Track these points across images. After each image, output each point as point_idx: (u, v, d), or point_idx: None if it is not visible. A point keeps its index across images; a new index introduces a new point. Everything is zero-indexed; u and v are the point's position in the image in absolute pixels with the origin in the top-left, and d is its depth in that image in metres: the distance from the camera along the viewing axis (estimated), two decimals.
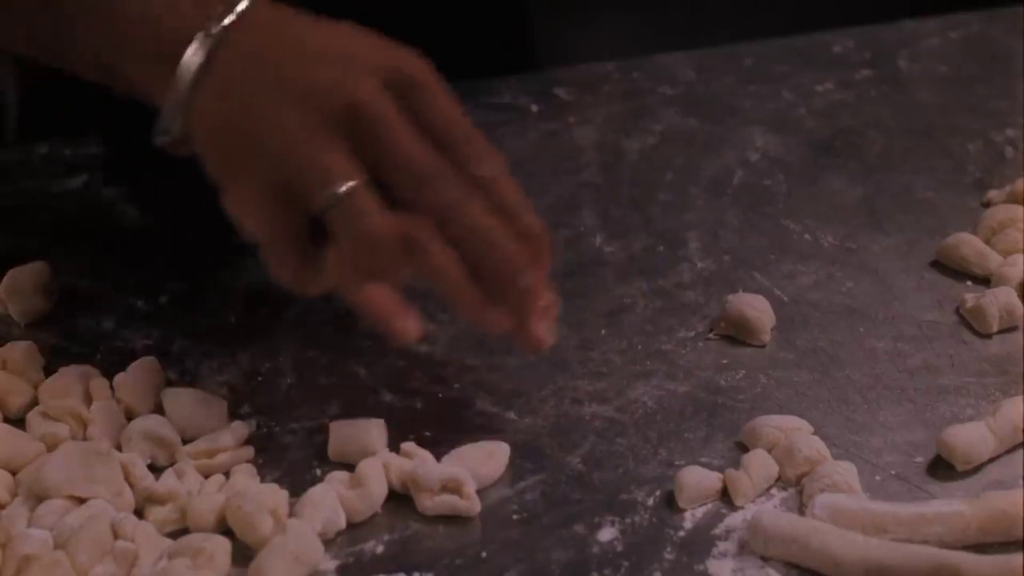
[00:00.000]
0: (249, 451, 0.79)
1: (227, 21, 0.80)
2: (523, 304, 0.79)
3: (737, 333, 0.86)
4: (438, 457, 0.78)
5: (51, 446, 0.78)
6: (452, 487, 0.76)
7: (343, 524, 0.75)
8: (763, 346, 0.86)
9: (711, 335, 0.87)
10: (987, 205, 0.96)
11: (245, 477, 0.77)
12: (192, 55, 0.80)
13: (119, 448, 0.78)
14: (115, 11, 0.81)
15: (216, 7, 0.80)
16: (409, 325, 0.78)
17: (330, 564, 0.74)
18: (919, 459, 0.79)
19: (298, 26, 0.82)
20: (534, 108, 1.08)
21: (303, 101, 0.78)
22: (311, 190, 0.77)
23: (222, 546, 0.73)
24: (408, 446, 0.79)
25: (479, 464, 0.78)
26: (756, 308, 0.86)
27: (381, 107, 0.78)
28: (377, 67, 0.80)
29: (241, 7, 0.81)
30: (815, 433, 0.79)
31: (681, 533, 0.75)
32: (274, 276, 0.80)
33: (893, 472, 0.78)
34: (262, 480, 0.78)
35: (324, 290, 0.80)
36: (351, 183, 0.77)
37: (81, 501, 0.75)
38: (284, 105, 0.79)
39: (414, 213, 0.78)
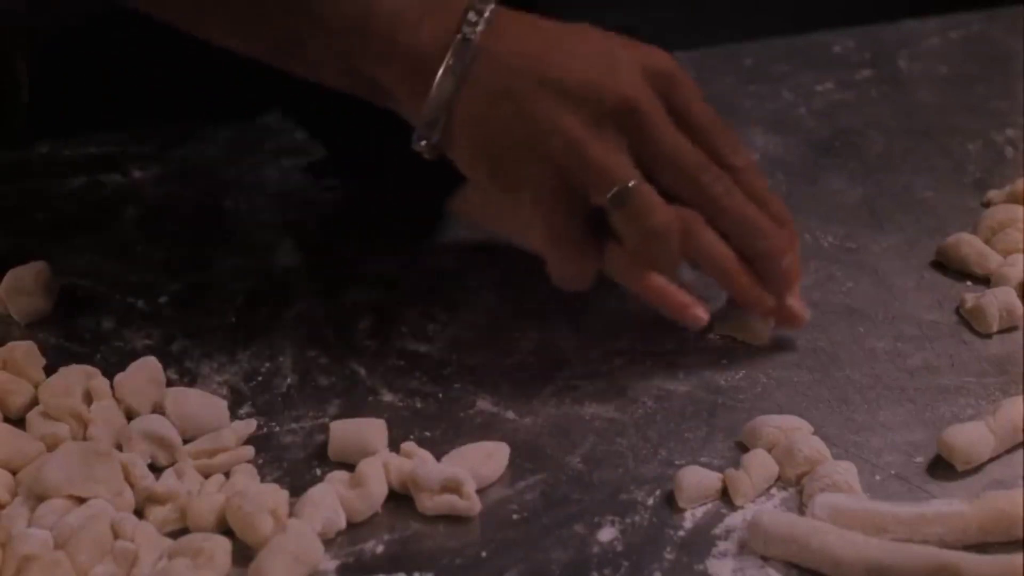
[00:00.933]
0: (249, 451, 0.79)
1: (480, 27, 0.81)
2: (785, 283, 0.85)
3: (737, 333, 0.86)
4: (438, 457, 0.78)
5: (51, 446, 0.78)
6: (452, 487, 0.76)
7: (343, 524, 0.75)
8: (763, 346, 0.86)
9: (712, 335, 0.87)
10: (987, 205, 0.96)
11: (245, 477, 0.77)
12: (450, 62, 0.81)
13: (119, 448, 0.78)
14: (368, 18, 0.82)
15: (465, 13, 0.82)
16: (699, 312, 0.83)
17: (330, 564, 0.74)
18: (919, 459, 0.79)
19: (547, 28, 0.84)
20: None
21: (576, 101, 0.81)
22: (595, 190, 0.81)
23: (222, 546, 0.73)
24: (408, 446, 0.79)
25: (479, 464, 0.78)
26: None
27: (650, 105, 0.82)
28: (637, 64, 0.83)
29: (488, 12, 0.82)
30: (815, 433, 0.79)
31: (681, 533, 0.75)
32: (555, 275, 0.84)
33: (893, 472, 0.78)
34: (262, 480, 0.78)
35: (589, 285, 0.84)
36: (633, 181, 0.81)
37: (81, 501, 0.75)
38: (557, 106, 0.81)
39: (683, 205, 0.82)
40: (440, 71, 0.81)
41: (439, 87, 0.81)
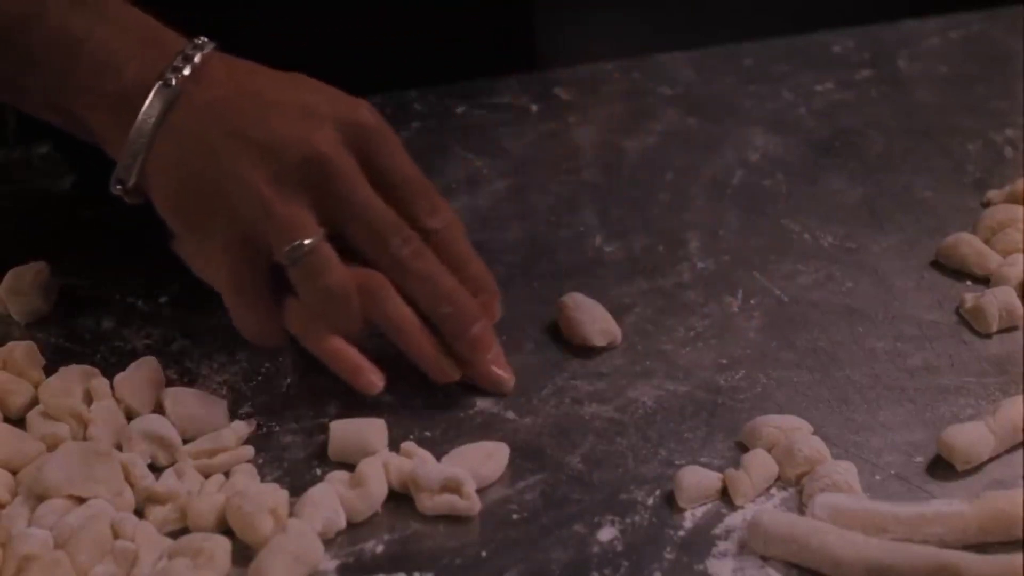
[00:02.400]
0: (249, 451, 0.79)
1: (185, 72, 0.81)
2: (476, 351, 0.83)
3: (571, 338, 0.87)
4: (438, 457, 0.78)
5: (51, 446, 0.78)
6: (452, 487, 0.76)
7: (343, 524, 0.75)
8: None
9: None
10: (987, 205, 0.96)
11: (245, 477, 0.77)
12: (149, 106, 0.81)
13: (119, 448, 0.78)
14: (75, 58, 0.82)
15: (173, 58, 0.81)
16: (373, 379, 0.81)
17: (330, 564, 0.74)
18: (919, 459, 0.79)
19: (255, 77, 0.83)
20: (534, 108, 1.08)
21: (263, 154, 0.80)
22: (273, 244, 0.80)
23: (222, 546, 0.73)
24: (408, 446, 0.79)
25: (479, 464, 0.78)
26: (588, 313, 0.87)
27: (340, 160, 0.81)
28: (335, 119, 0.82)
29: (198, 59, 0.82)
30: (815, 433, 0.79)
31: (681, 533, 0.75)
32: (238, 326, 0.83)
33: (893, 472, 0.78)
34: (262, 480, 0.78)
35: (283, 341, 0.83)
36: (312, 238, 0.80)
37: (81, 501, 0.75)
38: (244, 158, 0.80)
39: (369, 264, 0.81)
40: (140, 115, 0.81)
41: (137, 131, 0.81)
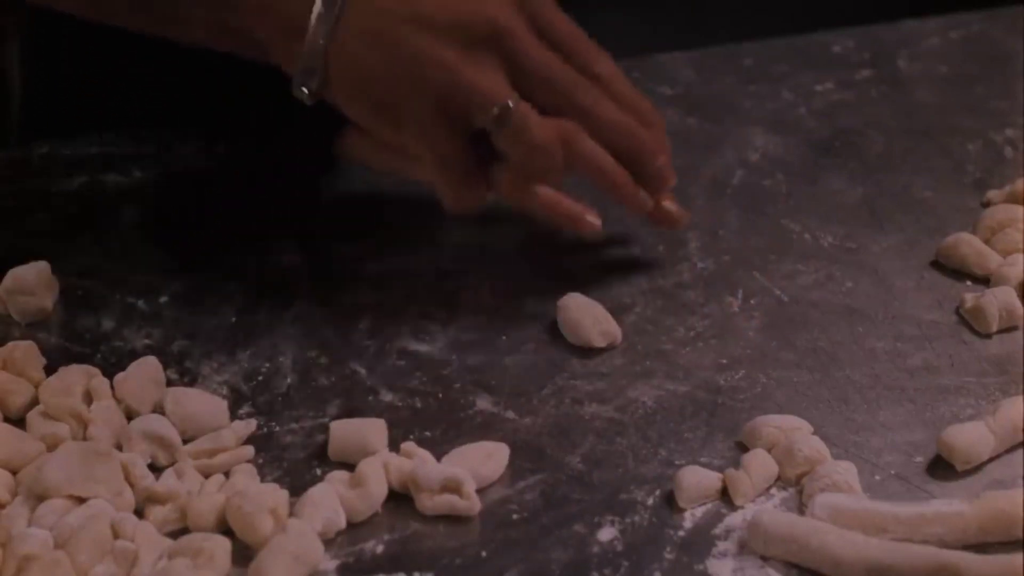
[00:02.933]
0: (249, 451, 0.79)
1: None
2: (659, 183, 0.89)
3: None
4: (438, 457, 0.78)
5: (51, 446, 0.78)
6: (452, 487, 0.76)
7: (343, 524, 0.75)
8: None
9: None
10: (987, 205, 0.96)
11: (245, 477, 0.77)
12: (322, 10, 0.84)
13: (119, 448, 0.78)
14: None
15: None
16: (594, 220, 0.88)
17: (330, 564, 0.74)
18: (919, 459, 0.79)
19: None
20: None
21: (447, 31, 0.84)
22: (475, 112, 0.85)
23: (222, 546, 0.73)
24: (408, 446, 0.79)
25: (479, 464, 0.78)
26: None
27: (518, 27, 0.86)
28: None
29: None
30: (815, 433, 0.79)
31: (681, 533, 0.75)
32: (448, 202, 0.88)
33: (893, 472, 0.78)
34: (262, 480, 0.78)
35: (483, 204, 0.88)
36: (512, 100, 0.85)
37: (81, 501, 0.75)
38: (429, 38, 0.84)
39: (558, 118, 0.86)
40: (313, 18, 0.84)
41: (312, 34, 0.84)
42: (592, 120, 0.87)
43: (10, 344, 0.84)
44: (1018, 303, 0.87)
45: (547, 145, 0.85)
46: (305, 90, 0.86)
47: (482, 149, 0.86)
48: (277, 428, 0.81)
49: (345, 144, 0.89)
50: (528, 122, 0.85)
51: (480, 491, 0.77)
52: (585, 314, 0.87)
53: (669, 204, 0.91)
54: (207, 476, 0.78)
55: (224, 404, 0.82)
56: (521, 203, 0.88)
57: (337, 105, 0.86)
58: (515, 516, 0.76)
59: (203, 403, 0.81)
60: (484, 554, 0.74)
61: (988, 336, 0.86)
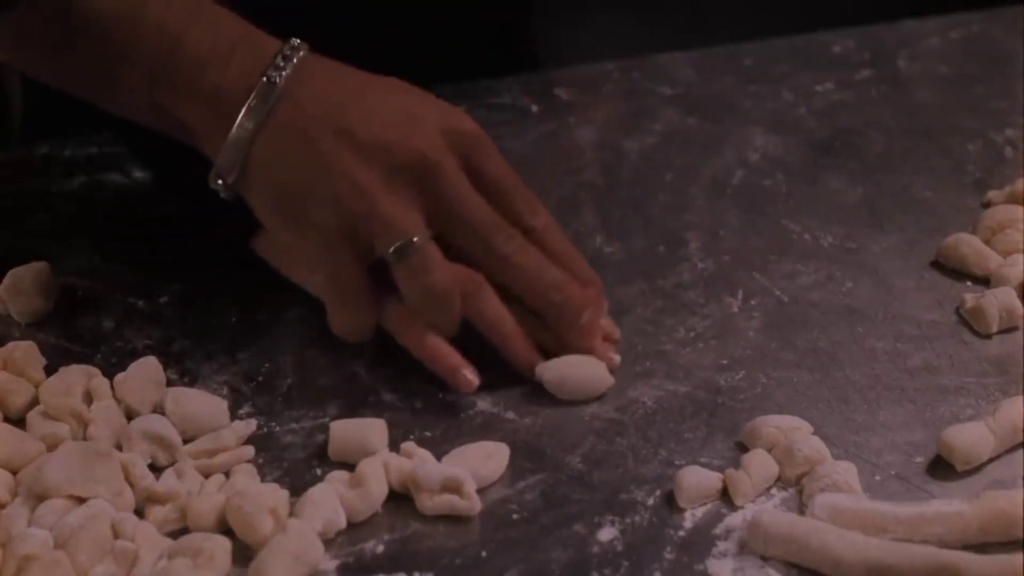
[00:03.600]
0: (249, 451, 0.79)
1: (286, 71, 0.83)
2: (585, 338, 0.84)
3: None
4: (438, 457, 0.78)
5: (51, 446, 0.78)
6: (452, 487, 0.76)
7: (343, 524, 0.75)
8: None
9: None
10: (987, 205, 0.96)
11: (245, 477, 0.77)
12: (252, 103, 0.82)
13: (119, 448, 0.78)
14: (172, 54, 0.83)
15: (274, 58, 0.83)
16: (470, 377, 0.82)
17: (330, 564, 0.74)
18: (919, 459, 0.79)
19: (354, 79, 0.85)
20: (534, 108, 1.08)
21: (370, 153, 0.82)
22: (379, 241, 0.82)
23: (222, 546, 0.73)
24: (408, 446, 0.79)
25: (479, 464, 0.78)
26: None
27: (446, 163, 0.83)
28: (439, 124, 0.84)
29: (296, 59, 0.83)
30: (815, 433, 0.79)
31: (681, 533, 0.75)
32: (334, 324, 0.84)
33: (893, 472, 0.78)
34: (262, 480, 0.78)
35: (370, 336, 0.84)
36: (419, 236, 0.82)
37: (81, 501, 0.75)
38: (351, 156, 0.82)
39: (473, 263, 0.83)
40: (242, 112, 0.82)
41: (239, 127, 0.83)
42: (512, 269, 0.83)
43: (10, 344, 0.84)
44: (1018, 303, 0.87)
45: (443, 292, 0.82)
46: (220, 182, 0.84)
47: (382, 279, 0.83)
48: (277, 428, 0.81)
49: (259, 242, 0.86)
50: (429, 262, 0.81)
51: (480, 491, 0.77)
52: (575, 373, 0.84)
53: (606, 353, 0.85)
54: (207, 476, 0.78)
55: (224, 404, 0.82)
56: (404, 342, 0.84)
57: (248, 201, 0.84)
58: (515, 516, 0.76)
59: (203, 403, 0.81)
60: (484, 554, 0.74)
61: (988, 336, 0.86)
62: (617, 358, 0.85)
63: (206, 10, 0.85)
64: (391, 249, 0.81)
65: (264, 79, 0.82)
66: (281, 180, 0.83)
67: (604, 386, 0.83)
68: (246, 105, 0.82)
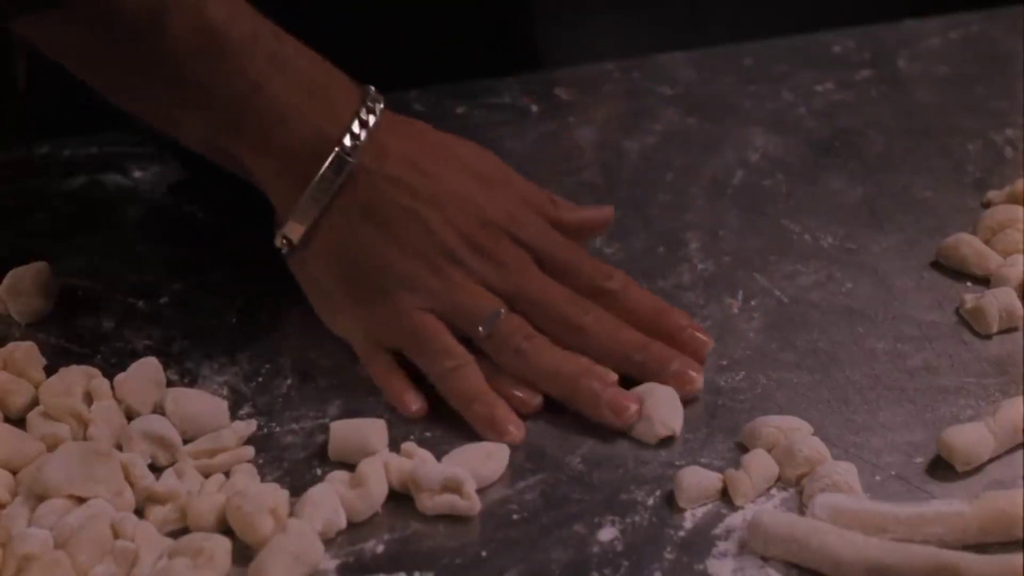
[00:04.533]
0: (249, 451, 0.79)
1: (361, 139, 0.82)
2: (681, 387, 0.82)
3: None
4: (438, 457, 0.78)
5: (51, 446, 0.78)
6: (452, 487, 0.76)
7: (343, 524, 0.75)
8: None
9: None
10: (987, 205, 0.96)
11: (245, 477, 0.77)
12: (326, 174, 0.82)
13: (119, 448, 0.78)
14: (248, 104, 0.82)
15: (350, 122, 0.82)
16: (410, 399, 0.82)
17: (330, 564, 0.74)
18: (919, 459, 0.79)
19: (428, 155, 0.85)
20: (534, 108, 1.08)
21: (442, 239, 0.83)
22: (465, 320, 0.83)
23: (222, 546, 0.73)
24: (408, 446, 0.79)
25: (479, 464, 0.78)
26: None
27: (513, 252, 0.84)
28: (505, 213, 0.85)
29: (371, 122, 0.83)
30: (815, 434, 0.79)
31: (681, 533, 0.75)
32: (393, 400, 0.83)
33: (893, 472, 0.78)
34: (262, 480, 0.78)
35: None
36: (503, 308, 0.83)
37: (81, 501, 0.75)
38: (423, 239, 0.82)
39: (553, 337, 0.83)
40: (314, 181, 0.82)
41: (309, 198, 0.82)
42: (588, 339, 0.83)
43: (10, 344, 0.84)
44: (1018, 304, 0.87)
45: (537, 351, 0.82)
46: (286, 242, 0.84)
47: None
48: (277, 428, 0.81)
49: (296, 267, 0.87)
50: (521, 326, 0.83)
51: (480, 491, 0.77)
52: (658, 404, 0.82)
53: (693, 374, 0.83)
54: (207, 476, 0.78)
55: (224, 404, 0.82)
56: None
57: (311, 268, 0.85)
58: (515, 516, 0.76)
59: (203, 403, 0.81)
60: (484, 554, 0.74)
61: (988, 337, 0.86)
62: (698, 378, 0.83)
63: (291, 56, 0.83)
64: (480, 327, 0.82)
65: (339, 149, 0.82)
66: (351, 254, 0.83)
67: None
68: (319, 175, 0.82)
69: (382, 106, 0.84)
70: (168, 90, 0.83)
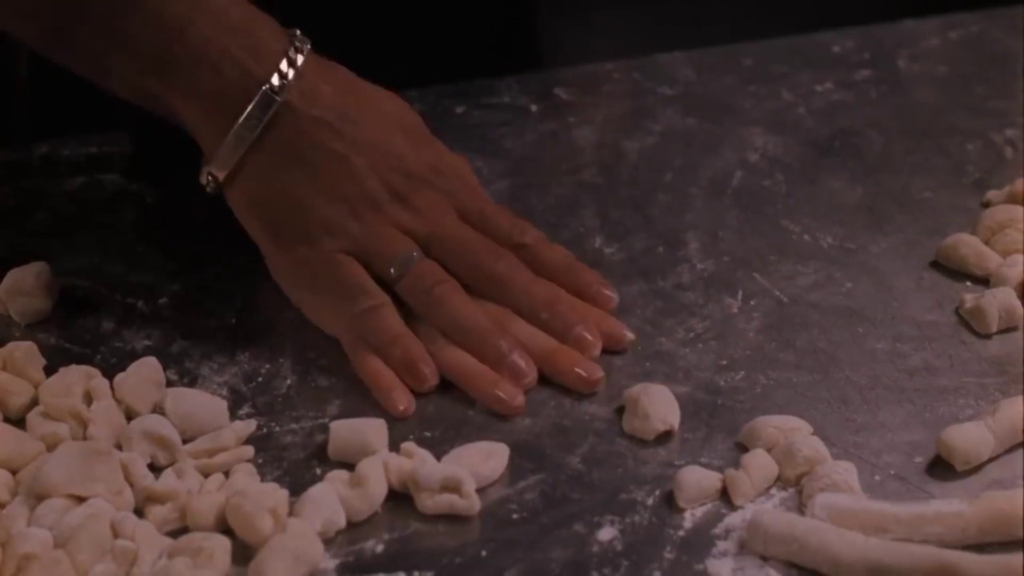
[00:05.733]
0: (249, 450, 0.79)
1: (289, 78, 0.83)
2: (583, 350, 0.84)
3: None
4: (438, 457, 0.78)
5: (51, 446, 0.78)
6: (452, 487, 0.76)
7: (343, 523, 0.75)
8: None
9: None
10: (986, 205, 0.96)
11: (245, 477, 0.77)
12: (252, 112, 0.83)
13: (119, 448, 0.78)
14: (172, 47, 0.82)
15: (278, 62, 0.83)
16: (399, 399, 0.82)
17: (330, 563, 0.74)
18: (919, 459, 0.79)
19: (353, 97, 0.86)
20: (534, 108, 1.08)
21: (363, 180, 0.84)
22: (378, 261, 0.84)
23: (222, 545, 0.73)
24: (408, 446, 0.79)
25: (479, 464, 0.78)
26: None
27: (431, 195, 0.86)
28: (424, 158, 0.87)
29: (299, 62, 0.83)
30: (815, 433, 0.79)
31: (681, 533, 0.75)
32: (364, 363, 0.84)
33: (893, 472, 0.78)
34: (262, 480, 0.78)
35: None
36: (416, 253, 0.84)
37: (81, 500, 0.75)
38: (345, 180, 0.84)
39: (465, 283, 0.85)
40: (240, 120, 0.83)
41: (235, 135, 0.83)
42: (500, 288, 0.85)
43: (10, 345, 0.84)
44: (1018, 304, 0.87)
45: (446, 296, 0.84)
46: (211, 179, 0.85)
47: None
48: (277, 428, 0.81)
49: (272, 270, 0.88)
50: (435, 272, 0.84)
51: (480, 491, 0.77)
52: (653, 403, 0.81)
53: (578, 372, 0.83)
54: (207, 476, 0.78)
55: (224, 404, 0.82)
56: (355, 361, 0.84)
57: (232, 204, 0.86)
58: (515, 516, 0.76)
59: (203, 403, 0.81)
60: (484, 554, 0.74)
61: (988, 337, 0.86)
62: (597, 379, 0.83)
63: None
64: (392, 268, 0.84)
65: (266, 87, 0.82)
66: (270, 193, 0.84)
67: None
68: (245, 113, 0.83)
69: (309, 47, 0.84)
70: (96, 36, 0.83)
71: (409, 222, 0.85)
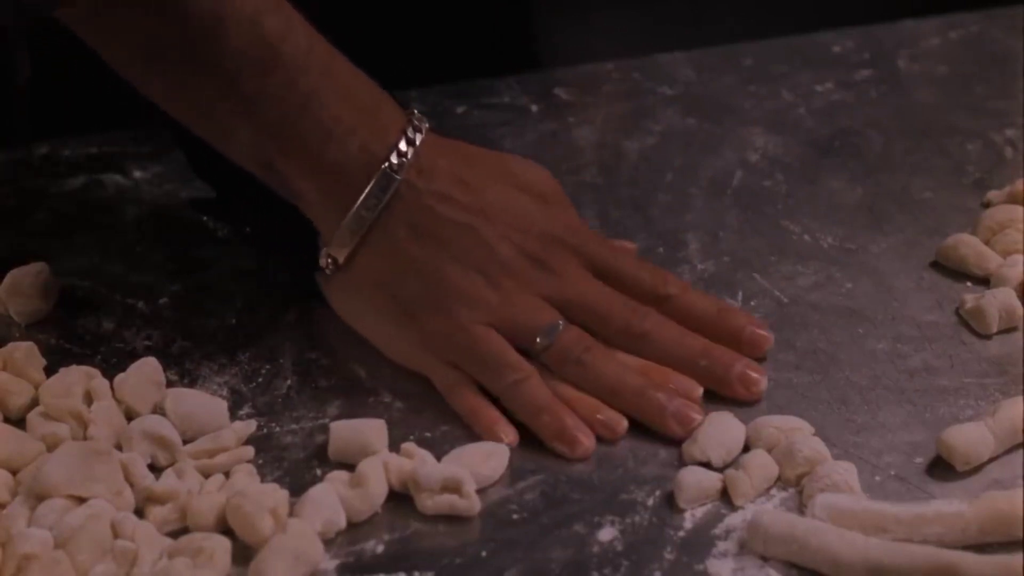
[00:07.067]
0: (249, 451, 0.79)
1: (408, 157, 0.82)
2: (748, 390, 0.82)
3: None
4: (438, 457, 0.78)
5: (51, 446, 0.78)
6: (452, 487, 0.76)
7: (343, 524, 0.75)
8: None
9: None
10: (986, 205, 0.96)
11: (245, 477, 0.78)
12: (373, 190, 0.82)
13: (119, 448, 0.78)
14: (297, 117, 0.82)
15: (397, 139, 0.82)
16: (504, 431, 0.81)
17: (330, 564, 0.74)
18: (919, 459, 0.79)
19: (473, 171, 0.84)
20: (534, 108, 1.08)
21: (492, 254, 0.82)
22: (522, 334, 0.82)
23: (222, 545, 0.73)
24: (408, 446, 0.79)
25: (479, 464, 0.78)
26: None
27: (568, 262, 0.84)
28: (551, 224, 0.85)
29: (418, 141, 0.82)
30: (815, 434, 0.79)
31: (681, 533, 0.75)
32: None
33: (893, 472, 0.78)
34: (262, 480, 0.78)
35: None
36: (561, 321, 0.82)
37: (81, 500, 0.75)
38: (476, 252, 0.82)
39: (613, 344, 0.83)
40: (360, 199, 0.82)
41: (357, 213, 0.82)
42: (651, 345, 0.83)
43: (10, 345, 0.84)
44: (1018, 304, 0.87)
45: (599, 363, 0.82)
46: (331, 262, 0.84)
47: None
48: (277, 428, 0.81)
49: (326, 284, 0.87)
50: (580, 341, 0.82)
51: (480, 491, 0.77)
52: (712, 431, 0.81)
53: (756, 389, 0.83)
54: (207, 476, 0.78)
55: (224, 405, 0.82)
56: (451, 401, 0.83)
57: (353, 283, 0.84)
58: (515, 516, 0.76)
59: (203, 403, 0.81)
60: (484, 554, 0.74)
61: (988, 337, 0.86)
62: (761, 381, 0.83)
63: (340, 72, 0.83)
64: (537, 339, 0.82)
65: (386, 166, 0.82)
66: (401, 270, 0.83)
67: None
68: (365, 192, 0.82)
69: (427, 126, 0.84)
70: (220, 100, 0.82)
71: (547, 287, 0.83)
